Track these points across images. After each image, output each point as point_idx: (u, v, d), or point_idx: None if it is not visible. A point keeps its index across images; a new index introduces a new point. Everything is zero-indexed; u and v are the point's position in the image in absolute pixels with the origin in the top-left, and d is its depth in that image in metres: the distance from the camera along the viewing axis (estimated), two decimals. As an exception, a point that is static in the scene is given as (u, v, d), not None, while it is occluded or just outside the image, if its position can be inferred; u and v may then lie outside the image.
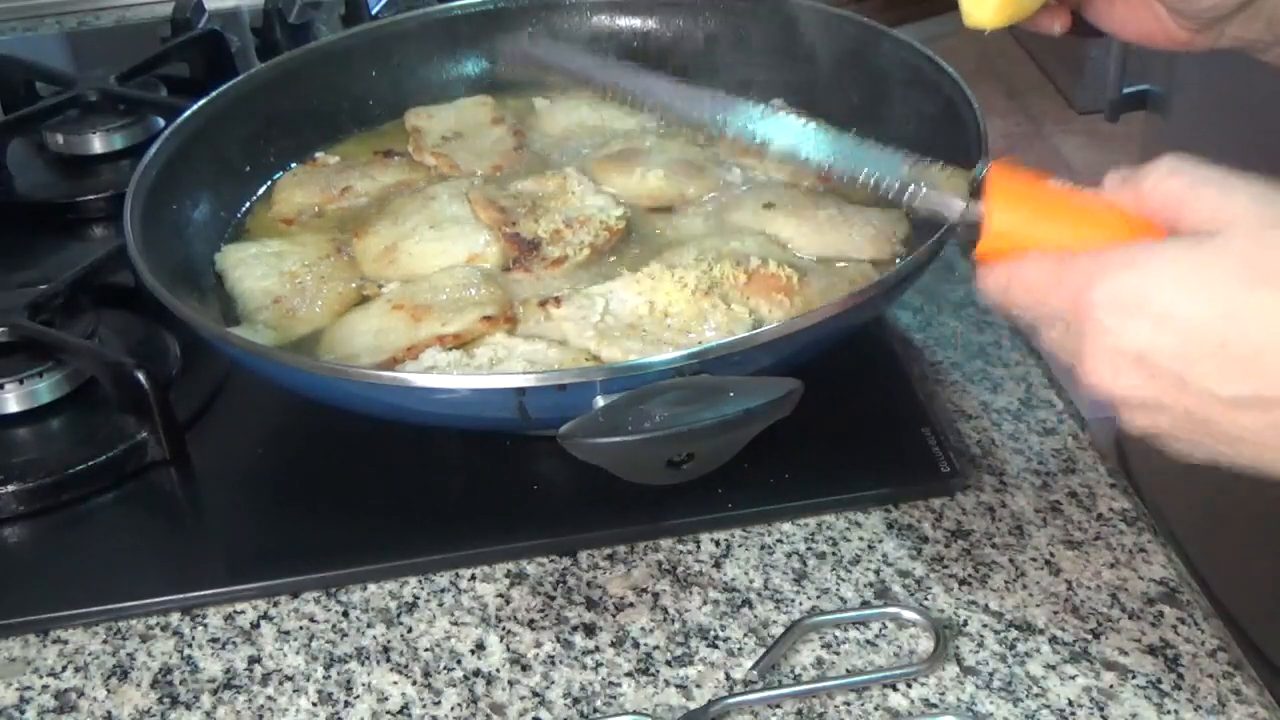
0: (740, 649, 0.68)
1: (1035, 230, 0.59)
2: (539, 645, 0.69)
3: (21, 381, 0.83)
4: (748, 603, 0.70)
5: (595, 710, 0.65)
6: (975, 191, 0.61)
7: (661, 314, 0.78)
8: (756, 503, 0.75)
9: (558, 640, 0.69)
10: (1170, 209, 0.55)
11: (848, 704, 0.65)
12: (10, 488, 0.77)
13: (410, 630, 0.70)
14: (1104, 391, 0.55)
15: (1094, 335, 0.54)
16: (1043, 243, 0.58)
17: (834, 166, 0.69)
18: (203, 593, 0.72)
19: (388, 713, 0.66)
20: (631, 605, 0.71)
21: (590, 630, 0.69)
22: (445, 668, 0.68)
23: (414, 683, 0.67)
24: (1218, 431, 0.54)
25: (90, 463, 0.79)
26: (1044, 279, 0.57)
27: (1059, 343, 0.58)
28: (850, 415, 0.80)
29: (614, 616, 0.70)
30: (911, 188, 0.65)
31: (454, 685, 0.67)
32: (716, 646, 0.68)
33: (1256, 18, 0.70)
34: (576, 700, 0.66)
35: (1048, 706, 0.64)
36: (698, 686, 0.66)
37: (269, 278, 0.86)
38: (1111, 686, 0.65)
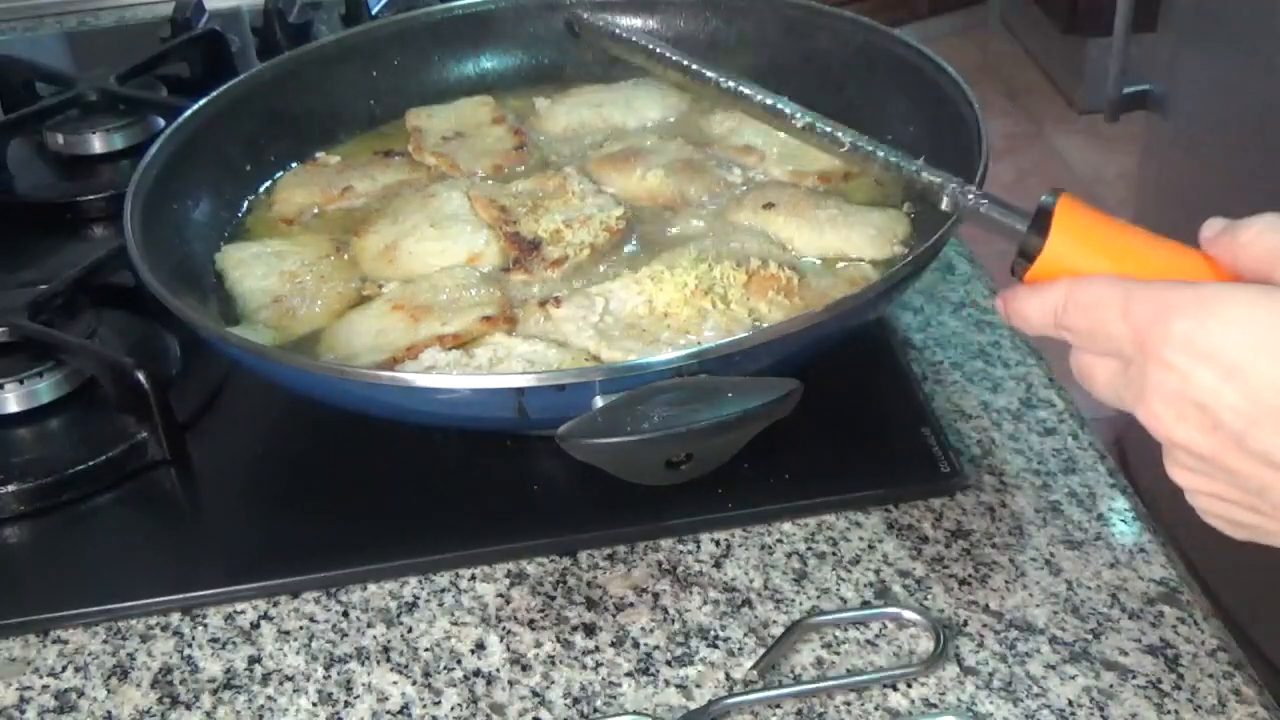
0: (740, 649, 0.68)
1: (1099, 261, 0.55)
2: (539, 645, 0.69)
3: (21, 381, 0.83)
4: (748, 603, 0.70)
5: (595, 710, 0.65)
6: (1038, 218, 0.58)
7: (661, 314, 0.78)
8: (756, 503, 0.75)
9: (558, 640, 0.69)
10: (1266, 264, 0.52)
11: (848, 704, 0.65)
12: (10, 488, 0.77)
13: (410, 630, 0.70)
14: (1161, 436, 0.52)
15: (1160, 375, 0.51)
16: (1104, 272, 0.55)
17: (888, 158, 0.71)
18: (203, 593, 0.72)
19: (388, 713, 0.66)
20: (631, 605, 0.71)
21: (590, 630, 0.69)
22: (445, 668, 0.68)
23: (414, 683, 0.67)
24: (1269, 502, 0.51)
25: (90, 463, 0.79)
26: (1108, 303, 0.53)
27: (1110, 377, 0.54)
28: (850, 415, 0.80)
29: (614, 616, 0.70)
30: (971, 197, 0.63)
31: (454, 685, 0.67)
32: (716, 646, 0.68)
33: None
34: (576, 700, 0.66)
35: (1048, 706, 0.64)
36: (698, 686, 0.66)
37: (269, 277, 0.86)
38: (1111, 686, 0.65)
